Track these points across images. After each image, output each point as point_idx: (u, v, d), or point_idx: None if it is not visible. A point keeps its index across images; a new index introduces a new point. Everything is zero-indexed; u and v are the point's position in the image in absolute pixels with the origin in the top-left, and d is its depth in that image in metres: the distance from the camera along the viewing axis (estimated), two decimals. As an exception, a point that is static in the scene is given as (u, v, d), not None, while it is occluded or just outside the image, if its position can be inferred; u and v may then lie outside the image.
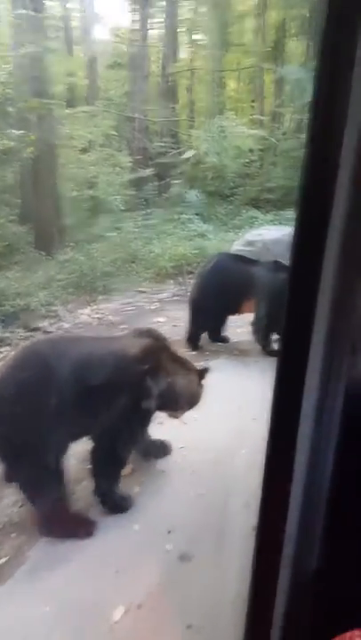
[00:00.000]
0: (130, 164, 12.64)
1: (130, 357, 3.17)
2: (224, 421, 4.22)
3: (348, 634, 1.00)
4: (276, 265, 5.91)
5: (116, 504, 3.29)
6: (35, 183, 9.69)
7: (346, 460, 1.09)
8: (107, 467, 3.27)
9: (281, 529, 1.11)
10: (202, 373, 3.54)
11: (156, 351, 3.31)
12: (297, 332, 1.03)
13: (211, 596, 2.72)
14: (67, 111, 11.09)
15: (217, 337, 6.35)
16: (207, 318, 6.22)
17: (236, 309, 6.18)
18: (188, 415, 3.62)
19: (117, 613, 2.67)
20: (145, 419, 3.36)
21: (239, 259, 6.64)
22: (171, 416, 3.60)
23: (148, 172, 12.73)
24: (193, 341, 6.17)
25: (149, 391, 3.19)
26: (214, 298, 6.01)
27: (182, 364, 3.42)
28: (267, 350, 6.03)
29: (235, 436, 4.03)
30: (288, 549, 1.12)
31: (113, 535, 3.13)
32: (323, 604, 1.15)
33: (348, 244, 0.94)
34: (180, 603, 2.73)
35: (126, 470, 3.52)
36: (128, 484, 3.52)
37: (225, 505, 3.34)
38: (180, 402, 3.40)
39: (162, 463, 3.81)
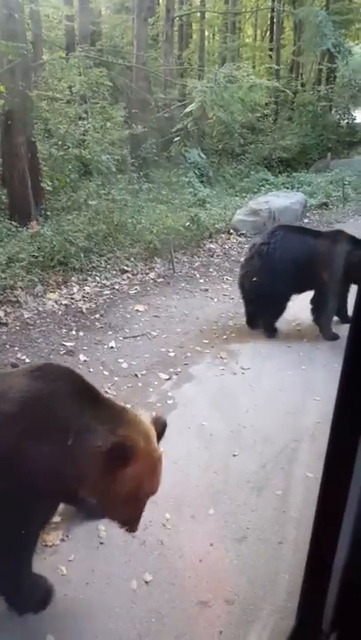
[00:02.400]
0: (125, 119, 11.22)
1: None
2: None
3: None
4: (341, 236, 5.43)
5: None
6: (6, 141, 8.42)
7: None
8: None
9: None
10: (158, 428, 2.40)
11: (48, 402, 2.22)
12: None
13: None
14: (44, 57, 9.67)
15: (271, 326, 5.68)
16: (267, 301, 5.55)
17: (300, 288, 5.58)
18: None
19: None
20: (28, 515, 2.26)
21: (300, 230, 6.04)
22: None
23: (146, 127, 11.29)
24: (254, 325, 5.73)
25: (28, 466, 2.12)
26: (276, 277, 5.37)
27: (108, 420, 2.27)
28: (326, 334, 5.46)
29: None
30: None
31: None
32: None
33: None
34: None
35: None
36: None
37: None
38: (105, 496, 2.26)
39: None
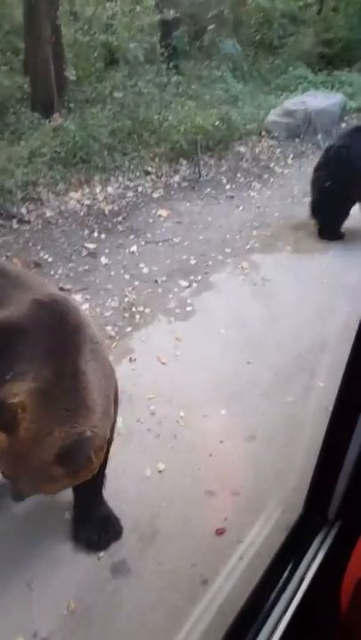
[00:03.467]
0: (156, 3, 10.32)
1: None
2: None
3: None
4: None
5: None
6: (29, 24, 7.86)
7: None
8: None
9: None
10: None
11: None
12: None
13: None
14: None
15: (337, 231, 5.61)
16: (338, 206, 5.42)
17: None
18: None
19: None
20: None
21: None
22: None
23: (178, 13, 10.38)
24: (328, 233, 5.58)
25: None
26: (354, 181, 5.17)
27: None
28: None
29: None
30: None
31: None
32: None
33: None
34: None
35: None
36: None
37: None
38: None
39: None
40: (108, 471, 2.86)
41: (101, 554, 2.44)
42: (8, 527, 2.56)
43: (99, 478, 2.44)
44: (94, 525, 2.50)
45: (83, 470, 1.93)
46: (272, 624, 1.18)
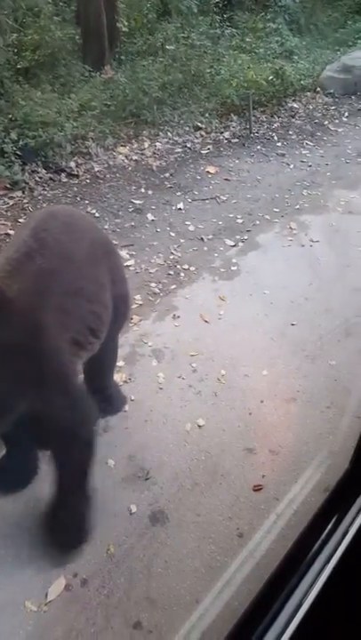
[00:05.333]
0: None
1: None
2: None
3: None
4: None
5: None
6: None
7: None
8: None
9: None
10: None
11: None
12: None
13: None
14: None
15: None
16: None
17: None
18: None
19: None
20: None
21: None
22: None
23: None
24: None
25: None
26: None
27: None
28: None
29: None
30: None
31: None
32: None
33: None
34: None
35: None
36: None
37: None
38: None
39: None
40: (148, 423, 2.92)
41: (134, 508, 2.49)
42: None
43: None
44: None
45: None
46: (311, 578, 1.18)
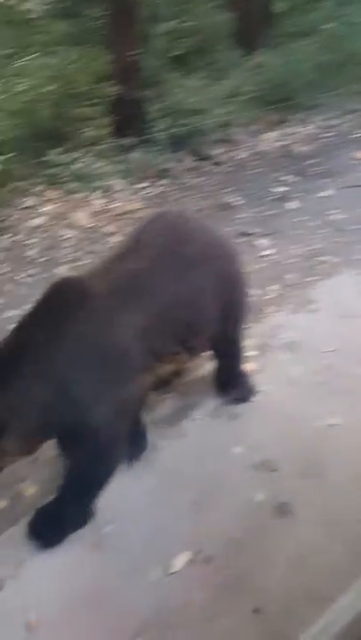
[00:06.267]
0: None
1: None
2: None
3: None
4: None
5: None
6: None
7: None
8: None
9: None
10: None
11: None
12: None
13: None
14: None
15: None
16: None
17: None
18: None
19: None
20: None
21: None
22: None
23: None
24: None
25: None
26: None
27: None
28: None
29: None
30: None
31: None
32: None
33: None
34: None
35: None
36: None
37: None
38: None
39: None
40: (276, 414, 2.89)
41: (259, 498, 2.50)
42: (185, 444, 2.78)
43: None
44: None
45: None
46: None
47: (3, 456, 2.15)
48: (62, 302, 2.19)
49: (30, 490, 2.60)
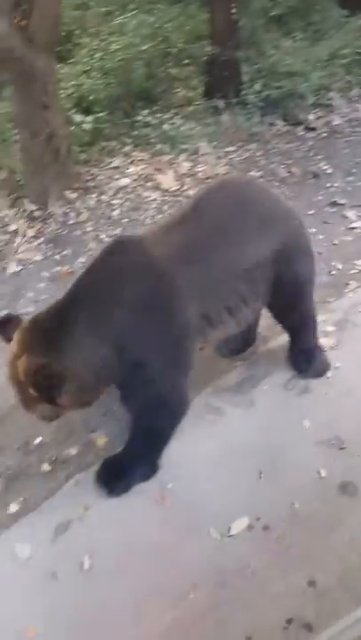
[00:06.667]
0: None
1: None
2: None
3: None
4: None
5: None
6: None
7: None
8: None
9: None
10: None
11: None
12: None
13: None
14: None
15: None
16: None
17: None
18: None
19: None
20: None
21: None
22: None
23: None
24: None
25: None
26: None
27: None
28: None
29: None
30: None
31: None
32: None
33: None
34: None
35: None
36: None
37: None
38: None
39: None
40: (350, 392, 2.81)
41: (324, 473, 2.47)
42: (253, 413, 2.78)
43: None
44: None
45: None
46: None
47: (61, 409, 2.26)
48: (121, 261, 2.23)
49: (101, 440, 2.73)
